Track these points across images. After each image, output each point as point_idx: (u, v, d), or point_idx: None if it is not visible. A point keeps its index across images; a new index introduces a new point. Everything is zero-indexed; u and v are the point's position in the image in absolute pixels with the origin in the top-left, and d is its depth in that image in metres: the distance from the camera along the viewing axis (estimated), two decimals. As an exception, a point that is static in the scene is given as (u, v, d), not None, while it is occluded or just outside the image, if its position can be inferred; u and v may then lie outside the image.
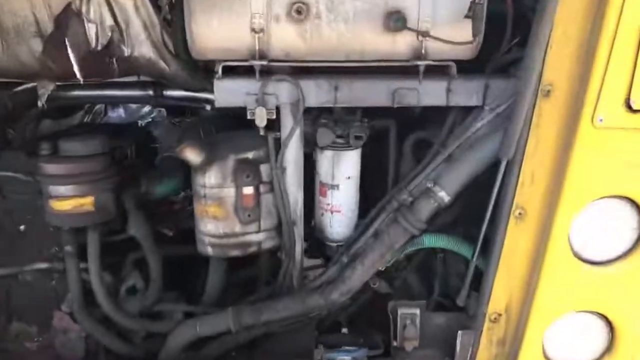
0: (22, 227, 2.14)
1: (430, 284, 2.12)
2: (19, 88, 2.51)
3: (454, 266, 2.05)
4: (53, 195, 1.89)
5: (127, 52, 2.22)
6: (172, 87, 2.54)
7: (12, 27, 2.15)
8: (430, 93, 1.77)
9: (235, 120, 2.81)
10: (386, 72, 1.80)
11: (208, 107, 2.65)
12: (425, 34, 1.65)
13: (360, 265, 1.84)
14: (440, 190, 1.76)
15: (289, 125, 1.80)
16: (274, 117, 1.78)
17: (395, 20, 1.61)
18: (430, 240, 1.87)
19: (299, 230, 1.94)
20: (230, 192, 1.86)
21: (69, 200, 1.88)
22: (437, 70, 1.77)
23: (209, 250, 1.94)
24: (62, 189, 1.88)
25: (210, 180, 1.85)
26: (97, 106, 3.13)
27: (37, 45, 2.17)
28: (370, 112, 1.93)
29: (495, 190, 1.63)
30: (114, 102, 2.93)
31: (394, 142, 2.06)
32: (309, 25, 1.65)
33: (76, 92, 2.62)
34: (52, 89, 2.37)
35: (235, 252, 1.94)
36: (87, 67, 2.27)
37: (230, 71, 1.78)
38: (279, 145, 1.84)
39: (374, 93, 1.77)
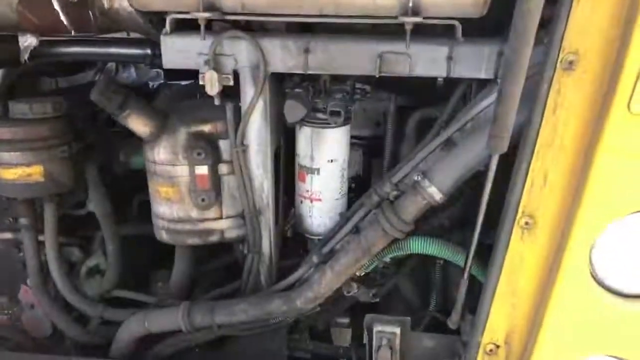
0: (-14, 196, 1.99)
1: (426, 295, 1.75)
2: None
3: (456, 276, 1.67)
4: (0, 162, 1.70)
5: (106, 4, 1.99)
6: None
7: (-14, -26, 1.96)
8: (426, 60, 1.38)
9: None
10: (371, 33, 1.43)
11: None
12: (417, -18, 1.26)
13: (330, 270, 1.51)
14: (430, 186, 1.38)
15: (250, 94, 1.48)
16: (231, 83, 1.46)
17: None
18: (418, 245, 1.51)
19: (265, 220, 1.64)
20: (183, 170, 1.58)
21: (14, 169, 1.68)
22: (436, 33, 1.38)
23: (164, 236, 1.68)
24: (6, 156, 1.68)
25: (159, 155, 1.57)
26: (108, 64, 2.95)
27: None
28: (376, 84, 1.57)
29: (487, 189, 1.24)
30: (108, 60, 2.72)
31: (393, 120, 1.69)
32: (270, -31, 1.30)
33: (64, 49, 2.42)
34: (35, 44, 2.20)
35: (193, 240, 1.67)
36: (78, 21, 2.06)
37: (183, 27, 1.48)
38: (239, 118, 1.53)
39: (353, 58, 1.41)
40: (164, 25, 1.76)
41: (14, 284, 2.07)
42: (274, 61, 1.44)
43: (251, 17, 1.38)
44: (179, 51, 1.47)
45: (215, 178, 1.58)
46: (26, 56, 2.21)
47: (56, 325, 2.04)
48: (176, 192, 1.60)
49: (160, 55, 2.39)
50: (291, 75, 1.57)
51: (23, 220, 1.83)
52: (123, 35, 2.35)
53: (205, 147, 1.52)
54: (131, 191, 2.08)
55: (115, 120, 1.54)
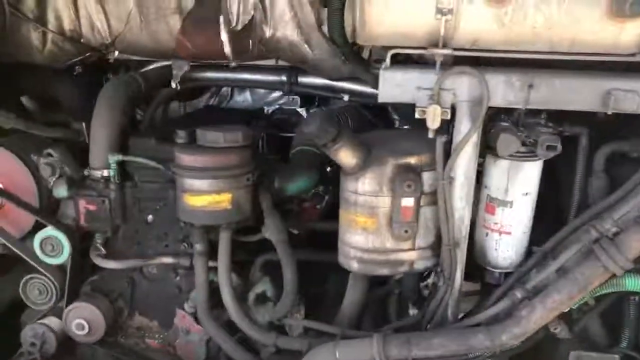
0: (149, 217, 2.01)
1: (616, 331, 1.73)
2: (151, 67, 2.41)
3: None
4: (188, 189, 1.71)
5: (268, 33, 2.01)
6: (311, 74, 2.33)
7: (152, 2, 2.00)
8: (659, 98, 1.38)
9: (372, 112, 2.61)
10: (597, 69, 1.43)
11: (345, 98, 2.44)
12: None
13: (541, 306, 1.49)
14: (657, 223, 1.37)
15: (465, 128, 1.49)
16: (448, 117, 1.47)
17: (632, 4, 1.24)
18: (635, 283, 1.49)
19: (461, 253, 1.63)
20: (385, 202, 1.58)
21: (205, 196, 1.70)
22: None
23: (354, 266, 1.68)
24: (198, 183, 1.70)
25: (364, 186, 1.58)
26: (224, 89, 2.99)
27: (176, 23, 2.01)
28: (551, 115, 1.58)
29: None
30: (246, 85, 2.76)
31: (584, 154, 1.68)
32: (510, 7, 1.31)
33: (208, 74, 2.49)
34: (186, 69, 2.24)
35: (383, 271, 1.67)
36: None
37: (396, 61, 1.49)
38: (447, 151, 1.53)
39: (578, 94, 1.41)
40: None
41: (168, 309, 2.07)
42: (494, 96, 1.44)
43: (483, 53, 1.39)
44: (397, 85, 1.48)
45: (417, 209, 1.58)
46: (177, 81, 2.26)
47: (210, 352, 2.05)
48: (374, 223, 1.60)
49: (295, 81, 2.48)
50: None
51: (198, 246, 1.84)
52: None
53: (415, 179, 1.53)
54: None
55: (324, 152, 1.55)
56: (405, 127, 2.61)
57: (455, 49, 1.38)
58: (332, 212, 2.24)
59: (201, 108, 2.85)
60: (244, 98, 3.00)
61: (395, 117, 2.65)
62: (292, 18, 1.96)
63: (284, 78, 2.46)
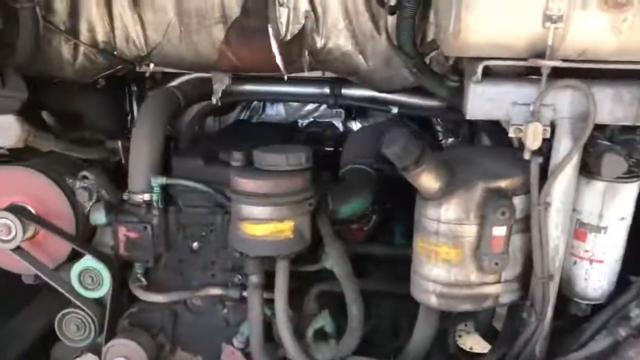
0: (194, 245, 1.85)
1: None
2: (184, 78, 2.26)
3: None
4: (246, 217, 1.55)
5: (319, 43, 1.87)
6: (358, 86, 2.18)
7: (194, 10, 1.85)
8: None
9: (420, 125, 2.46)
10: None
11: (394, 110, 2.29)
12: None
13: (652, 346, 1.34)
14: None
15: (566, 147, 1.33)
16: (548, 135, 1.32)
17: None
18: None
19: (554, 286, 1.47)
20: (471, 230, 1.42)
21: (266, 225, 1.53)
22: None
23: (433, 301, 1.51)
24: (259, 211, 1.53)
25: (447, 213, 1.41)
26: (255, 102, 2.84)
27: (219, 33, 1.87)
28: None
29: None
30: (287, 99, 2.61)
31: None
32: (630, 14, 1.16)
33: (249, 87, 2.34)
34: (227, 83, 2.08)
35: (465, 306, 1.50)
36: (267, 57, 1.96)
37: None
38: (542, 174, 1.38)
39: None
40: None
41: (214, 343, 1.90)
42: (600, 112, 1.29)
43: (596, 64, 1.24)
44: (489, 100, 1.33)
45: (509, 239, 1.42)
46: (219, 95, 2.11)
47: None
48: (458, 254, 1.44)
49: (340, 94, 2.33)
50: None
51: (254, 278, 1.67)
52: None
53: (509, 205, 1.37)
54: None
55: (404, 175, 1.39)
56: (450, 139, 2.49)
57: (564, 60, 1.22)
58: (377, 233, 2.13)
59: (233, 123, 2.70)
60: (276, 111, 2.85)
61: (439, 129, 2.53)
62: (346, 27, 1.83)
63: (327, 90, 2.31)
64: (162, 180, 1.77)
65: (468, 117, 1.35)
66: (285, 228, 1.54)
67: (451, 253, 1.45)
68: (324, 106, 2.73)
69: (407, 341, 1.69)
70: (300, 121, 2.81)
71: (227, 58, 1.95)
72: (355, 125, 2.76)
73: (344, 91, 2.30)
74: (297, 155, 1.54)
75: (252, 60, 1.96)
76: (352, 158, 2.07)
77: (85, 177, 1.83)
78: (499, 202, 1.37)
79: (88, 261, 1.74)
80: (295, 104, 2.77)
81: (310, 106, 2.77)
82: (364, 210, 1.96)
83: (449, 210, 1.41)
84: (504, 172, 1.42)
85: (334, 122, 2.78)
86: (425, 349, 1.68)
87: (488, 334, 1.79)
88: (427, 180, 1.39)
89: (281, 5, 1.83)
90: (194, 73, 2.19)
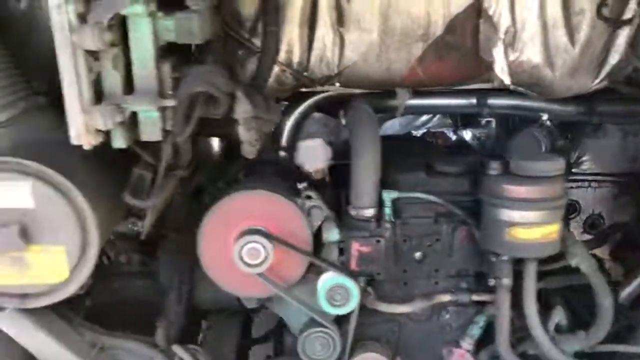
0: (417, 255, 1.91)
1: None
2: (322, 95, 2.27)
3: None
4: (517, 222, 1.65)
5: (512, 56, 1.99)
6: (503, 96, 2.32)
7: (399, 29, 1.93)
8: None
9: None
10: None
11: (545, 117, 2.45)
12: None
13: None
14: None
15: None
16: None
17: None
18: None
19: None
20: None
21: (538, 228, 1.64)
22: None
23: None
24: (531, 215, 1.64)
25: None
26: (374, 115, 2.90)
27: (417, 50, 1.96)
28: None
29: None
30: (437, 111, 2.71)
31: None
32: None
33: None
34: (407, 99, 2.17)
35: None
36: (457, 72, 2.07)
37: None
38: None
39: None
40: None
41: (434, 349, 1.98)
42: None
43: None
44: None
45: None
46: (402, 111, 2.19)
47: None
48: None
49: (485, 103, 2.46)
50: None
51: (506, 281, 1.76)
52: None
53: None
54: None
55: None
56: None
57: None
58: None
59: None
60: (390, 124, 2.94)
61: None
62: (541, 41, 1.95)
63: (473, 101, 2.43)
64: (394, 194, 1.83)
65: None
66: (553, 230, 1.65)
67: None
68: (437, 117, 2.85)
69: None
70: (414, 132, 2.92)
71: (416, 74, 2.03)
72: (466, 134, 2.90)
73: (490, 101, 2.43)
74: (560, 162, 1.66)
75: (438, 75, 2.06)
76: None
77: (309, 197, 1.85)
78: None
79: (337, 278, 1.76)
80: (411, 115, 2.87)
81: (424, 117, 2.88)
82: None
83: None
84: None
85: (444, 131, 2.91)
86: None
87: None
88: None
89: (486, 22, 1.95)
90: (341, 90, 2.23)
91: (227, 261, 1.74)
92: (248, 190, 1.75)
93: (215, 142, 2.12)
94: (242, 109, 1.47)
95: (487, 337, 1.93)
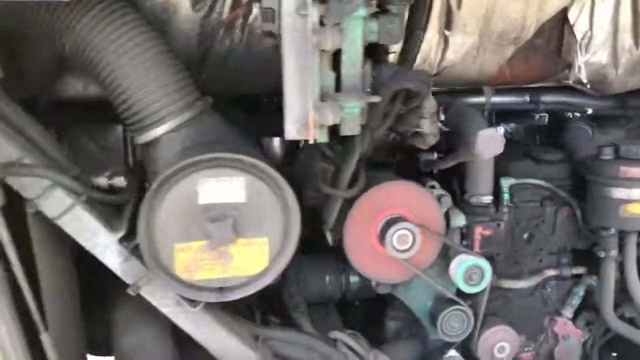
0: (525, 235, 2.12)
1: None
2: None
3: None
4: (633, 199, 1.90)
5: (582, 59, 2.26)
6: (554, 93, 2.59)
7: (497, 33, 2.13)
8: None
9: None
10: None
11: (589, 111, 2.74)
12: None
13: None
14: None
15: None
16: None
17: None
18: None
19: None
20: None
21: (644, 203, 1.91)
22: None
23: None
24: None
25: None
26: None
27: (508, 52, 2.17)
28: None
29: None
30: (495, 108, 2.91)
31: None
32: None
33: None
34: (492, 96, 2.37)
35: None
36: (539, 72, 2.31)
37: None
38: None
39: None
40: None
41: (536, 321, 2.20)
42: None
43: None
44: None
45: None
46: (488, 109, 2.41)
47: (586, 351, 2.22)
48: None
49: (538, 100, 2.72)
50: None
51: (613, 252, 2.01)
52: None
53: None
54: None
55: None
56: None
57: None
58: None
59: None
60: (435, 121, 3.13)
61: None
62: (610, 43, 2.24)
63: (527, 98, 2.68)
64: (512, 181, 2.03)
65: None
66: (662, 205, 1.93)
67: None
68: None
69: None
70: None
71: (503, 74, 2.26)
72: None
73: (543, 98, 2.69)
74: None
75: (522, 74, 2.30)
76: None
77: (432, 187, 2.01)
78: None
79: (473, 260, 1.92)
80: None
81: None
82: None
83: None
84: None
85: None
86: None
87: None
88: None
89: (568, 27, 2.19)
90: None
91: (368, 247, 1.85)
92: (389, 182, 1.87)
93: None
94: (430, 104, 1.60)
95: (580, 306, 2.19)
